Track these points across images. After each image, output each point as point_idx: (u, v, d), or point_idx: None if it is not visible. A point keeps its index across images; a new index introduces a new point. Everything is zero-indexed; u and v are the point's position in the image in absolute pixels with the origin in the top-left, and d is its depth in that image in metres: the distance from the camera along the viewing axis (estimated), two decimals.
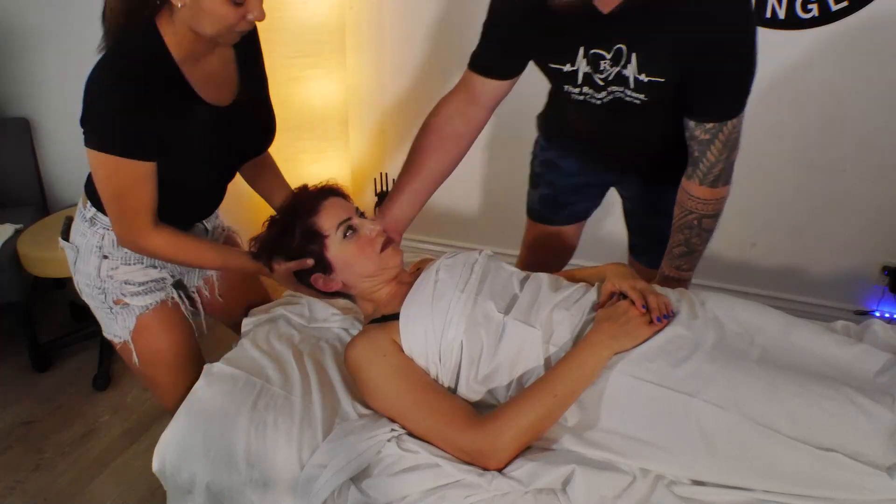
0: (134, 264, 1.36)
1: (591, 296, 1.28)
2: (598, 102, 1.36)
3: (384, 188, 2.87)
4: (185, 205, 1.35)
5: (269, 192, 1.53)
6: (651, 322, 1.17)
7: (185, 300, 1.47)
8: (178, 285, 1.47)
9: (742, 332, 1.19)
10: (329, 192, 1.34)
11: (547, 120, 1.68)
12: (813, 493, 1.02)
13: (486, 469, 1.09)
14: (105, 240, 1.34)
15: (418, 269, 1.39)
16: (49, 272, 2.32)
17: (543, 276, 1.34)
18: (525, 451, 1.12)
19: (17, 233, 2.39)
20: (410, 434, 1.16)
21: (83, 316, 2.64)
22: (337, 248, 1.29)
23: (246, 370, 1.31)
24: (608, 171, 1.68)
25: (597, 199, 1.77)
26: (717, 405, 1.06)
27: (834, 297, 2.45)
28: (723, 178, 1.36)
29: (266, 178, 1.53)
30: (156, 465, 1.28)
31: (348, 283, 1.33)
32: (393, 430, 1.15)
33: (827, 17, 2.10)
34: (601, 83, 1.31)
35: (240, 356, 1.37)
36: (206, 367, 1.34)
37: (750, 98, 2.45)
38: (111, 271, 1.35)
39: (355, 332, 1.40)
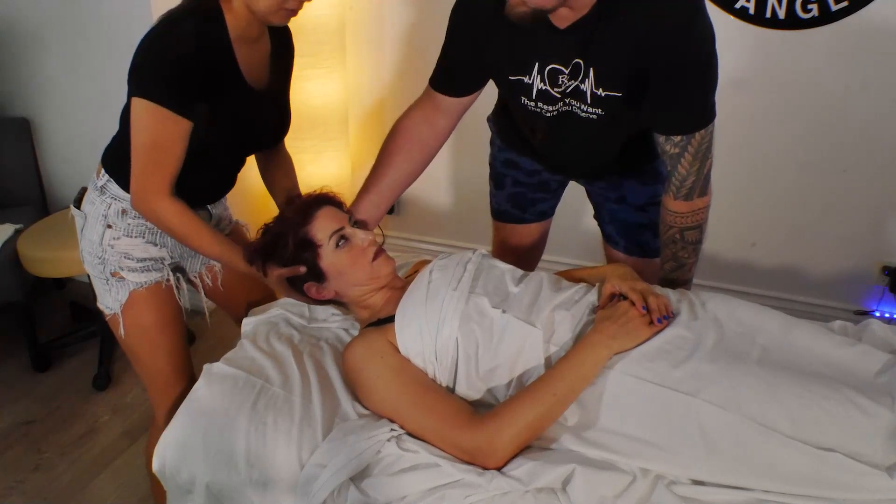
0: (135, 237, 1.40)
1: (592, 296, 1.28)
2: (548, 115, 1.37)
3: None
4: (195, 182, 1.37)
5: (275, 190, 1.58)
6: (651, 323, 1.17)
7: (183, 285, 1.50)
8: (178, 269, 1.51)
9: (742, 333, 1.19)
10: (322, 200, 1.35)
11: (499, 121, 1.68)
12: (813, 493, 1.02)
13: (485, 468, 1.09)
14: (111, 209, 1.39)
15: (415, 272, 1.39)
16: (49, 272, 2.32)
17: (543, 276, 1.34)
18: (525, 450, 1.12)
19: (17, 233, 2.39)
20: (410, 434, 1.16)
21: (83, 316, 2.64)
22: (330, 258, 1.30)
23: (246, 370, 1.31)
24: (563, 174, 1.70)
25: (559, 194, 1.78)
26: (717, 405, 1.06)
27: (834, 297, 2.45)
28: (697, 190, 1.34)
29: (276, 176, 1.57)
30: (156, 465, 1.28)
31: (340, 292, 1.34)
32: (392, 430, 1.15)
33: (827, 17, 2.10)
34: (557, 95, 1.32)
35: (240, 356, 1.37)
36: (206, 367, 1.34)
37: (750, 98, 2.45)
38: (113, 241, 1.39)
39: (355, 333, 1.41)
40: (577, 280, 1.39)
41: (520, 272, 1.36)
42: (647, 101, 1.26)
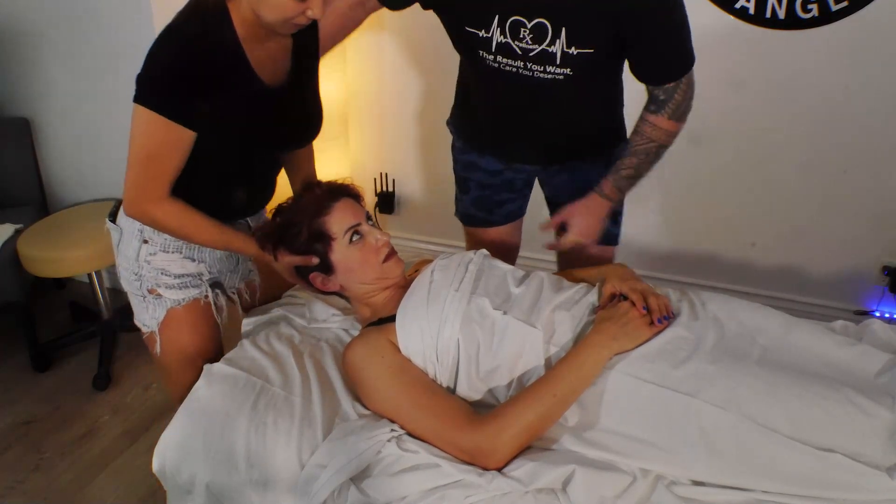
0: (172, 253, 1.37)
1: (592, 296, 1.29)
2: (507, 70, 1.36)
3: (384, 188, 2.87)
4: (230, 192, 1.35)
5: (293, 175, 1.55)
6: (651, 323, 1.17)
7: (221, 301, 1.47)
8: (216, 285, 1.47)
9: (742, 333, 1.19)
10: (342, 192, 1.34)
11: (457, 119, 1.68)
12: (813, 493, 1.02)
13: (485, 469, 1.09)
14: None
15: (417, 271, 1.39)
16: (49, 272, 2.31)
17: (544, 276, 1.34)
18: (525, 450, 1.12)
19: (17, 233, 2.38)
20: (410, 434, 1.16)
21: (83, 316, 2.64)
22: (341, 252, 1.29)
23: (246, 370, 1.31)
24: (526, 162, 1.67)
25: (526, 194, 1.77)
26: (717, 405, 1.06)
27: (834, 297, 2.45)
28: (687, 112, 1.40)
29: (296, 161, 1.53)
30: (156, 465, 1.28)
31: (346, 287, 1.33)
32: (393, 430, 1.15)
33: (827, 17, 2.10)
34: (519, 52, 1.31)
35: (240, 356, 1.37)
36: (206, 367, 1.34)
37: (750, 98, 2.44)
38: (149, 256, 1.36)
39: (355, 333, 1.41)
40: (577, 280, 1.39)
41: (521, 272, 1.36)
42: (643, 55, 1.31)
